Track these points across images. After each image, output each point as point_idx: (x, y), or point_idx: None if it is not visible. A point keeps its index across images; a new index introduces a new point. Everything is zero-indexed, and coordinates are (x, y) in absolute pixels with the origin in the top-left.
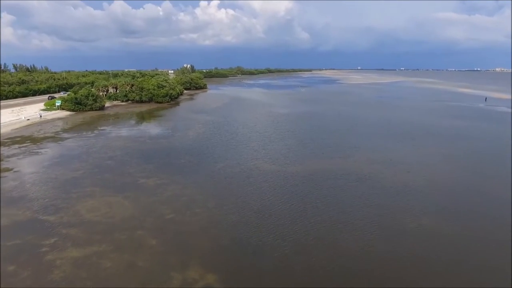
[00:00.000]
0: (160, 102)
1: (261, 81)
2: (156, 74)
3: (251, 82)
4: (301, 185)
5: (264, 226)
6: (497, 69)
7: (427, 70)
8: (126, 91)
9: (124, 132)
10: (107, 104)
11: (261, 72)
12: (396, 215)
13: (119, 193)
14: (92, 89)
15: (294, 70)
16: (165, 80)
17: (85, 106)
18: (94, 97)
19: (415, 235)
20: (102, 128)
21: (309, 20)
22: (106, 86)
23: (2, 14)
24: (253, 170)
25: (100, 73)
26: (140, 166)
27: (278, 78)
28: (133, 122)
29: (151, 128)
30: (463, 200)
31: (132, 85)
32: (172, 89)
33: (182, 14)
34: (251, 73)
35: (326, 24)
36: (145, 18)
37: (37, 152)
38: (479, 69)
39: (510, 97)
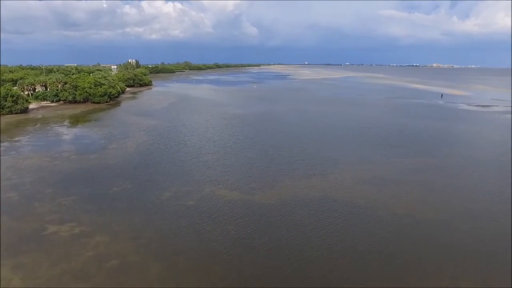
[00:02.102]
0: (97, 102)
1: (211, 77)
2: (97, 70)
3: (200, 77)
4: (277, 224)
5: None
6: (434, 65)
7: (371, 65)
8: (57, 90)
9: (43, 144)
10: (33, 105)
11: (210, 67)
12: (421, 275)
13: (10, 256)
14: (14, 88)
15: (243, 65)
16: (104, 77)
17: (3, 108)
18: (14, 98)
19: None
20: (16, 138)
21: (257, 15)
22: (32, 84)
23: None
24: (210, 201)
25: (33, 68)
26: (54, 200)
27: (228, 73)
28: (59, 129)
29: (80, 138)
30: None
31: (65, 83)
32: (112, 87)
33: (127, 6)
34: (199, 68)
35: (274, 19)
36: (87, 10)
37: None
38: (418, 64)
39: (462, 93)
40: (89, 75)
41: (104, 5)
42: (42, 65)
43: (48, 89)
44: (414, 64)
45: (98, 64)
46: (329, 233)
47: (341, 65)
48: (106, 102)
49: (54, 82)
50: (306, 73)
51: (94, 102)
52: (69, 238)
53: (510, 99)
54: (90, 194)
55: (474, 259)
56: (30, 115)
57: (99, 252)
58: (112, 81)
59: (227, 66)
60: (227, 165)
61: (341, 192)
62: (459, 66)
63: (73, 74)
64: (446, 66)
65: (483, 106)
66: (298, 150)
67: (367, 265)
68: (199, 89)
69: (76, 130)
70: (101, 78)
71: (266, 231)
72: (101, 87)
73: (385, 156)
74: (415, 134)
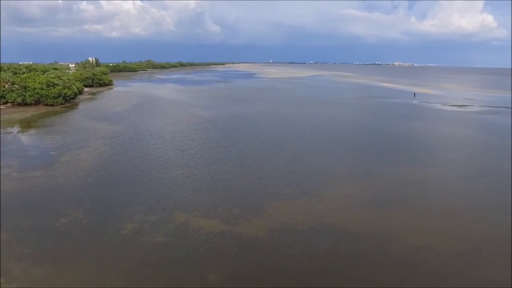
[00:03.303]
0: (50, 105)
1: (175, 76)
2: (54, 69)
3: (164, 77)
4: (271, 269)
5: None
6: (396, 63)
7: (335, 63)
8: (3, 91)
9: None
10: None
11: (173, 66)
12: None
13: None
14: None
15: (207, 64)
16: (58, 77)
17: None
18: None
19: None
20: None
21: (220, 13)
22: None
23: None
24: (184, 236)
25: None
26: None
27: (192, 72)
28: (2, 137)
29: (27, 149)
30: None
31: (13, 83)
32: (67, 87)
33: (84, 3)
34: (162, 67)
35: (237, 17)
36: (42, 6)
37: None
38: (380, 63)
39: (433, 92)
40: (42, 74)
41: (59, 1)
42: None
43: None
44: (377, 63)
45: (56, 63)
46: (338, 281)
47: (305, 63)
48: (61, 104)
49: None
50: (273, 72)
51: (46, 105)
52: None
53: (480, 99)
54: (29, 229)
55: None
56: None
57: None
58: (67, 81)
59: (191, 64)
60: (200, 182)
61: (340, 218)
62: (419, 65)
63: (23, 73)
64: (407, 64)
65: (459, 106)
66: (280, 160)
67: None
68: (163, 89)
69: (23, 139)
70: (54, 77)
71: (259, 279)
72: (54, 87)
73: (378, 166)
74: (400, 138)
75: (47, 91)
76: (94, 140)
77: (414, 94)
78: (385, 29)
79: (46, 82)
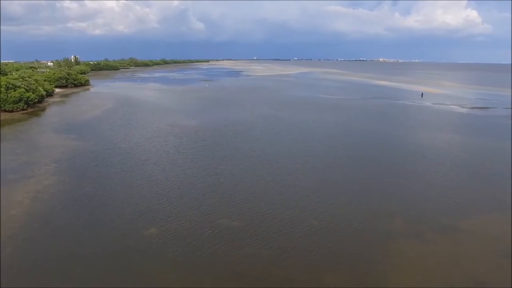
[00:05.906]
0: (9, 111)
1: (157, 74)
2: (30, 67)
3: (146, 75)
4: None
5: None
6: (380, 59)
7: (319, 60)
8: None
9: None
10: None
11: (157, 64)
12: None
13: None
14: None
15: (191, 61)
16: (22, 78)
17: None
18: None
19: None
20: None
21: (204, 10)
22: None
23: None
24: None
25: None
26: None
27: (176, 70)
28: None
29: None
30: None
31: None
32: (32, 90)
33: (67, 1)
34: (145, 64)
35: (221, 14)
36: (24, 4)
37: None
38: (364, 59)
39: (439, 91)
40: (7, 75)
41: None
42: None
43: None
44: (361, 59)
45: (37, 61)
46: None
47: (290, 60)
48: (22, 109)
49: None
50: (259, 69)
51: (5, 111)
52: None
53: (494, 99)
54: None
55: None
56: None
57: None
58: (33, 82)
59: (175, 62)
60: (185, 253)
61: None
62: (403, 61)
63: None
64: (392, 60)
65: (480, 108)
66: (299, 204)
67: None
68: (144, 90)
69: None
70: (17, 79)
71: None
72: (15, 90)
73: (445, 213)
74: (450, 160)
75: (5, 95)
76: (43, 165)
77: (422, 94)
78: (369, 25)
79: (6, 85)
